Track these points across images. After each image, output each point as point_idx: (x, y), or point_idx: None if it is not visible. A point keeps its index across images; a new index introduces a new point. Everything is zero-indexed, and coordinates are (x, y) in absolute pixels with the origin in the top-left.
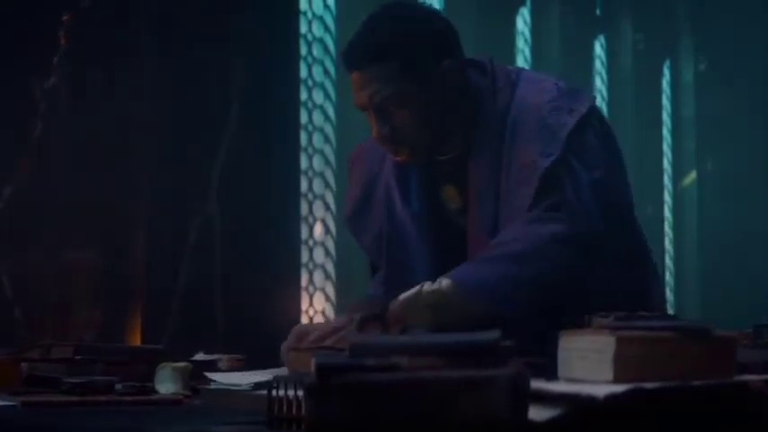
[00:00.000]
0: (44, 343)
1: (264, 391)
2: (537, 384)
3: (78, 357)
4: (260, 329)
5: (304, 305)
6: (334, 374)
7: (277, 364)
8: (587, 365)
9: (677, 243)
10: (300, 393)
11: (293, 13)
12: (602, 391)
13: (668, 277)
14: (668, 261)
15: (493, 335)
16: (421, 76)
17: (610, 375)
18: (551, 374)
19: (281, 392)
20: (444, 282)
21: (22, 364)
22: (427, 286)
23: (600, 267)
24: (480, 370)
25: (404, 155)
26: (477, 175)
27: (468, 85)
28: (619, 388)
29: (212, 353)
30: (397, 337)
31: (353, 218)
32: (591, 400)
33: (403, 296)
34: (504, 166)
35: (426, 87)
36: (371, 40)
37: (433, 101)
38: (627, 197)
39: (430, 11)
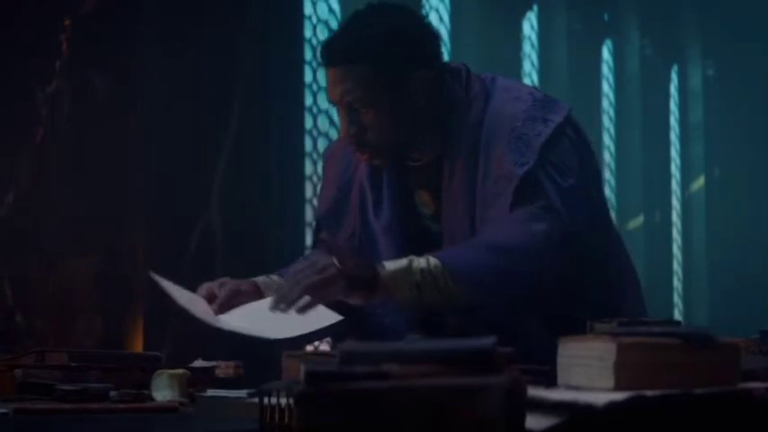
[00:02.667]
0: (38, 349)
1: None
2: (534, 392)
3: (73, 364)
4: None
5: None
6: (324, 382)
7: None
8: (587, 372)
9: (685, 248)
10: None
11: (298, 17)
12: (601, 399)
13: (676, 282)
14: (676, 266)
15: (488, 341)
16: (392, 82)
17: (610, 383)
18: (551, 382)
19: (273, 400)
20: (433, 261)
21: (16, 371)
22: (416, 263)
23: (579, 272)
24: (474, 377)
25: (367, 155)
26: (452, 184)
27: (443, 92)
28: (619, 396)
29: (213, 360)
30: (388, 344)
31: (328, 216)
32: (589, 408)
33: (392, 267)
34: (480, 177)
35: (397, 93)
36: (348, 41)
37: (402, 107)
38: (601, 207)
39: (411, 17)
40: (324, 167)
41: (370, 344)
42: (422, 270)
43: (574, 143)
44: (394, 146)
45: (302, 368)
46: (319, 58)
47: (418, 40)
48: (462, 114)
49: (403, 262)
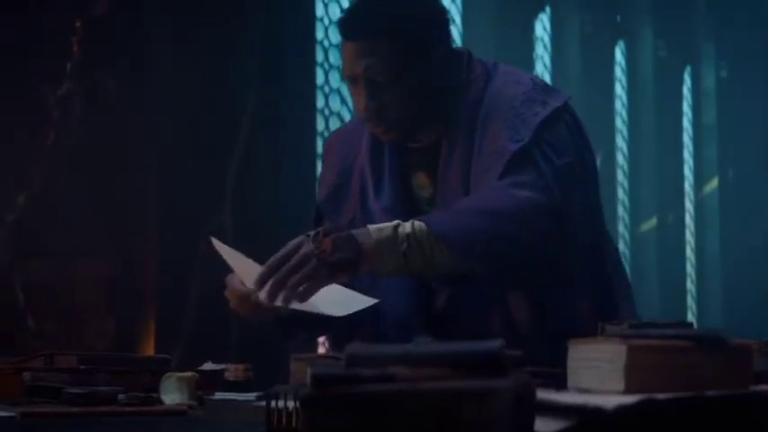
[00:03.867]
0: (47, 352)
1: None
2: (543, 395)
3: (82, 367)
4: (273, 340)
5: None
6: (330, 385)
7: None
8: (597, 375)
9: (698, 250)
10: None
11: (310, 19)
12: (611, 402)
13: (689, 285)
14: (689, 269)
15: (495, 344)
16: (415, 58)
17: (621, 386)
18: (561, 384)
19: (281, 403)
20: (418, 225)
21: (24, 374)
22: (402, 229)
23: (571, 255)
24: (482, 380)
25: (383, 131)
26: (449, 164)
27: (451, 72)
28: (629, 399)
29: (224, 363)
30: (395, 347)
31: (327, 201)
32: (599, 411)
33: (376, 236)
34: (475, 155)
35: (419, 70)
36: (370, 14)
37: (422, 84)
38: (595, 191)
39: None
40: (324, 155)
41: (376, 346)
42: (407, 236)
43: (570, 129)
44: (409, 124)
45: (308, 371)
46: (338, 32)
47: (440, 19)
48: (463, 95)
49: (388, 230)
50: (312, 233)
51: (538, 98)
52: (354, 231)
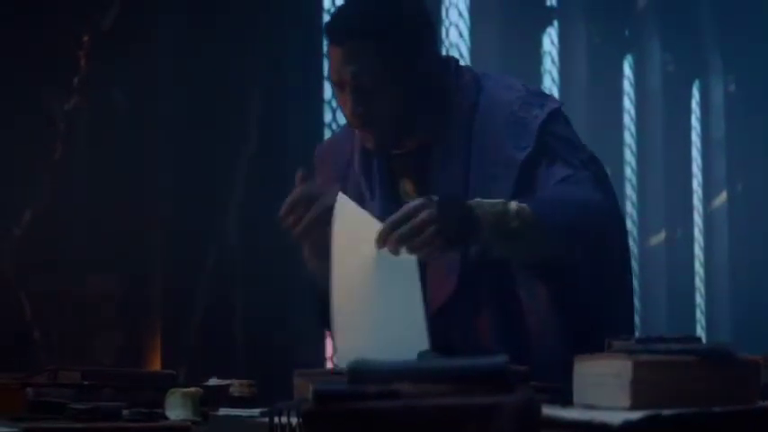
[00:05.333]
0: (52, 367)
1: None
2: (549, 411)
3: (86, 382)
4: (279, 355)
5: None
6: (332, 401)
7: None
8: (603, 391)
9: (708, 265)
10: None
11: (315, 32)
12: (617, 418)
13: (699, 299)
14: (698, 283)
15: (500, 360)
16: (405, 63)
17: (627, 401)
18: (567, 400)
19: (283, 419)
20: (521, 206)
21: (28, 389)
22: (510, 206)
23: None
24: (487, 396)
25: (370, 137)
26: (443, 169)
27: (437, 77)
28: (635, 415)
29: (230, 378)
30: (400, 362)
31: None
32: (605, 427)
33: (490, 207)
34: (474, 163)
35: (408, 74)
36: (358, 18)
37: (411, 89)
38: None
39: (418, 2)
40: (316, 165)
41: (380, 362)
42: (517, 213)
43: (571, 128)
44: (398, 129)
45: (310, 387)
46: (326, 36)
47: (425, 21)
48: (452, 101)
49: (499, 206)
50: (432, 197)
51: (534, 102)
52: (471, 203)
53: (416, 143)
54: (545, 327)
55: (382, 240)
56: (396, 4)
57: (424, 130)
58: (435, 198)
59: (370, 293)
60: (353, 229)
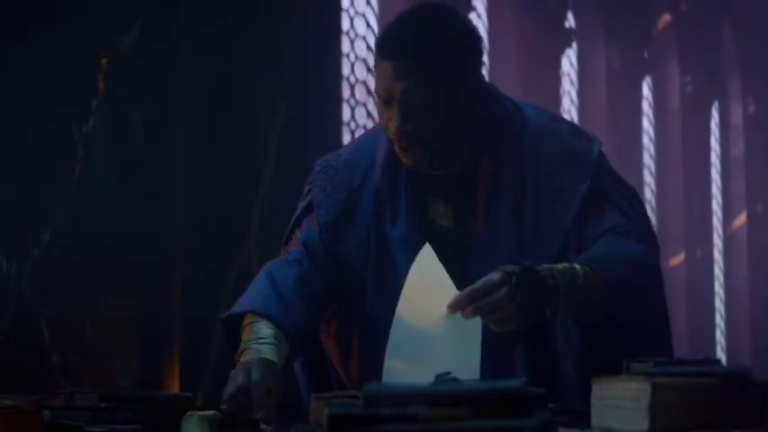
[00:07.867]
0: (68, 390)
1: None
2: None
3: (102, 405)
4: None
5: None
6: (348, 425)
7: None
8: (622, 414)
9: (727, 286)
10: None
11: (335, 46)
12: None
13: (718, 320)
14: (718, 304)
15: (518, 383)
16: (453, 83)
17: (645, 424)
18: (586, 424)
19: None
20: (586, 270)
21: (44, 412)
22: (578, 270)
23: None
24: (504, 420)
25: (411, 154)
26: (496, 197)
27: (485, 103)
28: None
29: None
30: (416, 386)
31: (332, 224)
32: None
33: (561, 275)
34: (529, 192)
35: (456, 96)
36: (413, 36)
37: (457, 110)
38: None
39: (471, 24)
40: (319, 179)
41: (396, 385)
42: (585, 276)
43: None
44: (442, 148)
45: (325, 411)
46: (377, 50)
47: (478, 47)
48: (499, 128)
49: (569, 271)
50: (511, 270)
51: (579, 134)
52: (544, 272)
53: (455, 166)
54: (576, 358)
55: (457, 308)
56: (451, 27)
57: (466, 152)
58: (512, 269)
59: (431, 349)
60: (428, 285)
